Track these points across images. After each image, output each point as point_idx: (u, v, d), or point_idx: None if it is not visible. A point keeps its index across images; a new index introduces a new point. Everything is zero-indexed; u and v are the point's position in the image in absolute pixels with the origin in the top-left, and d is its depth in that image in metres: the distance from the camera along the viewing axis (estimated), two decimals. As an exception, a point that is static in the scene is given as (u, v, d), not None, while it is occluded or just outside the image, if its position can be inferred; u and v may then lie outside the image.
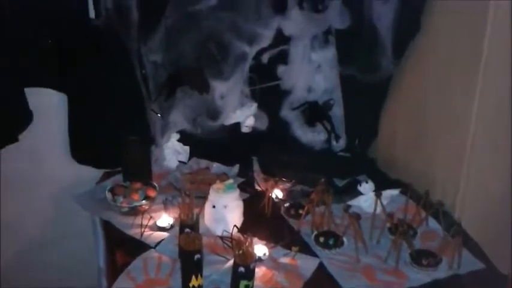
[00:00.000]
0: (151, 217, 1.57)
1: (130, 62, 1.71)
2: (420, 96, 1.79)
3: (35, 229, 1.92)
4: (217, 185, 1.52)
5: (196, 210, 1.43)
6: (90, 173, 1.86)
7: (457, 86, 1.61)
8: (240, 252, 1.21)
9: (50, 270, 1.96)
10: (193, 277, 1.26)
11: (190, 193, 1.42)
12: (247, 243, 1.23)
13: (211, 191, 1.53)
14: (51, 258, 1.95)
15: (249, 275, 1.23)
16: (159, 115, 1.77)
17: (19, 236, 1.90)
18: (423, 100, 1.78)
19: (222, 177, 1.82)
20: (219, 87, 1.82)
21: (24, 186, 1.86)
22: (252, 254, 1.22)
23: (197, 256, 1.25)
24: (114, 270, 1.40)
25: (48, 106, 1.78)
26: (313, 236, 1.53)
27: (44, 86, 1.73)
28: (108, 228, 1.58)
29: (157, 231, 1.54)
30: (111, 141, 1.70)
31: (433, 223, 1.62)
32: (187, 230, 1.37)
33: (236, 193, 1.54)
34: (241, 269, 1.21)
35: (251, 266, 1.22)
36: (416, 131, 1.81)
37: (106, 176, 1.86)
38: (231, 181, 1.55)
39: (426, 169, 1.75)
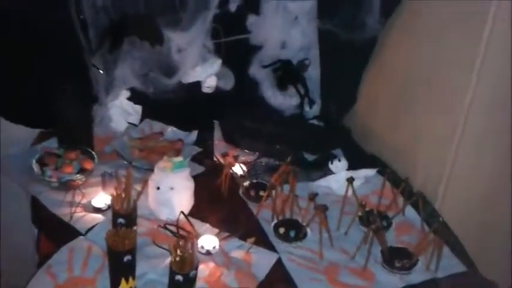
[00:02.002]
0: (83, 194, 1.34)
1: (64, 4, 1.40)
2: (408, 64, 1.54)
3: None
4: (163, 163, 1.29)
5: (134, 194, 1.20)
6: (25, 132, 1.60)
7: (453, 55, 1.36)
8: (177, 259, 1.00)
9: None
10: (123, 280, 1.06)
11: (128, 172, 1.18)
12: (187, 247, 1.01)
13: (156, 170, 1.30)
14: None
15: (188, 283, 1.03)
16: (100, 71, 1.48)
17: None
18: (412, 68, 1.52)
19: (177, 144, 1.59)
20: (175, 38, 1.55)
21: None
22: (193, 261, 1.02)
23: (127, 258, 1.04)
24: (39, 260, 1.19)
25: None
26: (272, 225, 1.33)
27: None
28: (36, 205, 1.35)
29: (91, 212, 1.32)
30: (43, 98, 1.43)
31: (411, 212, 1.43)
32: (120, 220, 1.15)
33: (185, 173, 1.31)
34: (179, 277, 1.01)
35: (190, 274, 1.01)
36: (400, 103, 1.58)
37: (43, 137, 1.60)
38: (179, 159, 1.31)
39: (408, 148, 1.54)
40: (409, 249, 1.27)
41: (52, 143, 1.54)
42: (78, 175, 1.37)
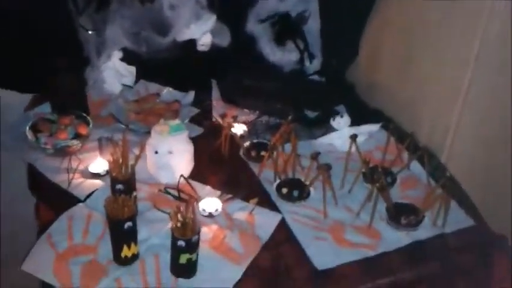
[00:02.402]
0: (80, 160, 1.30)
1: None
2: (415, 12, 1.46)
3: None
4: (160, 126, 1.25)
5: (132, 158, 1.16)
6: (18, 97, 1.55)
7: (461, 3, 1.29)
8: (178, 224, 0.97)
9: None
10: (125, 246, 1.04)
11: (124, 136, 1.14)
12: (188, 212, 0.98)
13: (152, 133, 1.25)
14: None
15: (191, 248, 1.00)
16: (89, 32, 1.41)
17: None
18: (418, 18, 1.45)
19: (173, 105, 1.54)
20: (167, -6, 1.47)
21: None
22: (194, 226, 0.99)
23: (128, 224, 1.01)
24: (39, 228, 1.17)
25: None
26: (275, 186, 1.30)
27: None
28: (32, 172, 1.32)
29: (90, 178, 1.28)
30: (33, 62, 1.38)
31: (416, 167, 1.40)
32: (119, 186, 1.12)
33: (184, 135, 1.26)
34: (181, 242, 0.99)
35: (193, 240, 0.99)
36: (406, 55, 1.51)
37: (37, 101, 1.55)
38: (177, 121, 1.27)
39: (413, 102, 1.49)
40: (415, 205, 1.25)
41: (45, 108, 1.50)
42: (73, 141, 1.33)
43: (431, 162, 1.35)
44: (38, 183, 1.28)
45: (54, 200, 1.23)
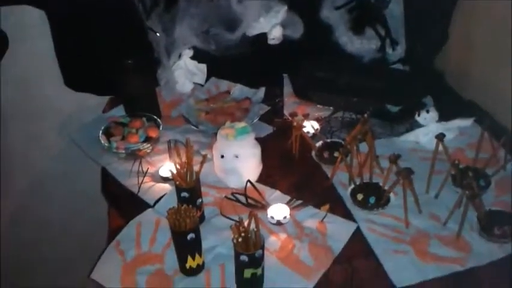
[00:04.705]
0: (151, 163, 1.30)
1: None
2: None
3: (43, 163, 1.72)
4: (226, 130, 1.20)
5: (196, 165, 1.12)
6: (95, 100, 1.59)
7: None
8: (240, 239, 0.92)
9: (58, 205, 1.79)
10: (189, 257, 1.01)
11: (187, 142, 1.10)
12: (249, 227, 0.92)
13: (218, 137, 1.21)
14: (60, 192, 1.77)
15: (255, 263, 0.95)
16: (157, 33, 1.39)
17: (27, 169, 1.72)
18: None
19: (244, 103, 1.49)
20: (234, -12, 1.40)
21: (24, 117, 1.63)
22: (258, 241, 0.93)
23: (191, 236, 0.98)
24: (109, 233, 1.18)
25: (30, 26, 1.45)
26: (349, 191, 1.20)
27: (17, 2, 1.39)
28: (106, 175, 1.33)
29: (159, 182, 1.27)
30: (105, 66, 1.39)
31: (514, 167, 1.22)
32: (184, 194, 1.09)
33: (250, 138, 1.20)
34: (244, 257, 0.93)
35: (256, 255, 0.93)
36: (504, 40, 1.32)
37: (113, 103, 1.57)
38: (242, 124, 1.21)
39: (512, 92, 1.30)
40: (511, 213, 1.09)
41: (120, 111, 1.51)
42: (144, 144, 1.33)
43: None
44: (111, 187, 1.29)
45: (125, 205, 1.23)
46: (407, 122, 1.41)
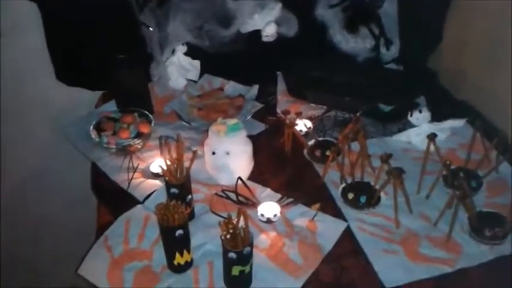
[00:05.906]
0: (141, 159, 1.29)
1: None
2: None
3: (34, 158, 1.71)
4: (217, 126, 1.19)
5: (187, 161, 1.11)
6: (88, 94, 1.58)
7: None
8: (228, 236, 0.91)
9: (50, 200, 1.78)
10: (177, 254, 1.00)
11: (178, 138, 1.09)
12: (237, 224, 0.92)
13: (210, 133, 1.20)
14: (51, 187, 1.75)
15: (243, 260, 0.94)
16: (150, 28, 1.38)
17: (18, 164, 1.70)
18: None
19: (237, 100, 1.48)
20: (229, -16, 1.39)
21: (16, 111, 1.61)
22: (246, 238, 0.92)
23: (179, 232, 0.97)
24: (98, 229, 1.17)
25: (21, 20, 1.44)
26: (340, 189, 1.19)
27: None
28: (95, 171, 1.32)
29: (150, 177, 1.26)
30: (97, 61, 1.38)
31: (506, 168, 1.22)
32: (173, 190, 1.08)
33: (241, 135, 1.20)
34: (232, 254, 0.92)
35: (244, 252, 0.92)
36: (496, 40, 1.32)
37: (105, 98, 1.56)
38: (234, 121, 1.20)
39: (505, 93, 1.30)
40: (503, 214, 1.09)
41: (112, 106, 1.50)
42: (135, 140, 1.32)
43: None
44: (100, 183, 1.28)
45: (114, 200, 1.22)
46: (399, 121, 1.41)
